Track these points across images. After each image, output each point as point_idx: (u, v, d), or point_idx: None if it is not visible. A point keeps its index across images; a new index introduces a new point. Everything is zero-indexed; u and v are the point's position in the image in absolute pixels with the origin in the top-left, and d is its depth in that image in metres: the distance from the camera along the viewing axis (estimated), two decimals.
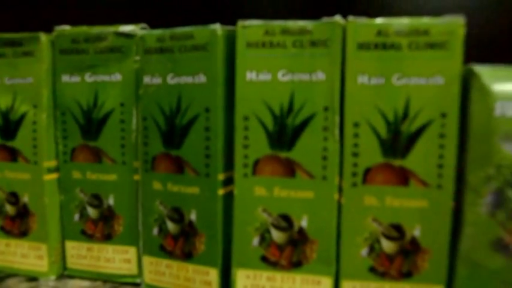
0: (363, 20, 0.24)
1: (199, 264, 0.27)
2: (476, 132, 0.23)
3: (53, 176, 0.30)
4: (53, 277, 0.30)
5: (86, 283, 0.30)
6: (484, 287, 0.24)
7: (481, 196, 0.23)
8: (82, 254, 0.30)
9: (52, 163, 0.30)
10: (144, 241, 0.29)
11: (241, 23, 0.26)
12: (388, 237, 0.25)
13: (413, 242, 0.25)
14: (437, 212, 0.25)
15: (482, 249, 0.24)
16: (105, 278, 0.30)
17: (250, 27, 0.25)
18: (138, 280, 0.30)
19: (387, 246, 0.25)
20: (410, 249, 0.25)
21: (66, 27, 0.30)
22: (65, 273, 0.31)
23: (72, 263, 0.31)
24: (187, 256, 0.27)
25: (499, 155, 0.23)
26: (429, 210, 0.25)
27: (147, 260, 0.29)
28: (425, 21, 0.24)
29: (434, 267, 0.25)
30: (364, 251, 0.25)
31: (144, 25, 0.29)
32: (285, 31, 0.25)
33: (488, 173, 0.23)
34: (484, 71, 0.23)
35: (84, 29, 0.29)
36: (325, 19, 0.25)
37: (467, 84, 0.24)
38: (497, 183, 0.23)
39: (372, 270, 0.26)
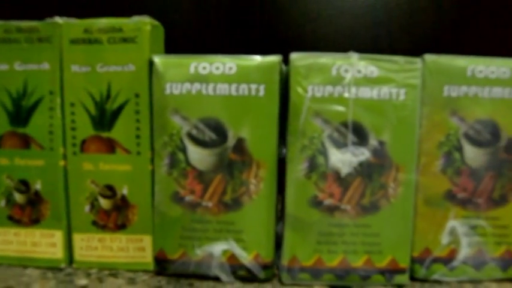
0: (74, 20, 0.30)
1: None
2: (156, 108, 0.29)
3: None
4: None
5: None
6: (170, 233, 0.30)
7: (162, 159, 0.29)
8: None
9: None
10: None
11: None
12: (104, 196, 0.31)
13: (124, 199, 0.31)
14: (139, 174, 0.30)
15: (167, 201, 0.30)
16: None
17: None
18: None
19: (104, 203, 0.31)
20: (122, 205, 0.31)
21: None
22: None
23: None
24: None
25: (170, 126, 0.29)
26: (133, 173, 0.30)
27: None
28: (119, 20, 0.30)
29: (141, 220, 0.31)
30: (87, 208, 0.31)
31: None
32: (19, 29, 0.31)
33: (164, 140, 0.29)
34: (160, 60, 0.29)
35: None
36: (48, 20, 0.30)
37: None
38: (170, 148, 0.29)
39: (94, 223, 0.31)
